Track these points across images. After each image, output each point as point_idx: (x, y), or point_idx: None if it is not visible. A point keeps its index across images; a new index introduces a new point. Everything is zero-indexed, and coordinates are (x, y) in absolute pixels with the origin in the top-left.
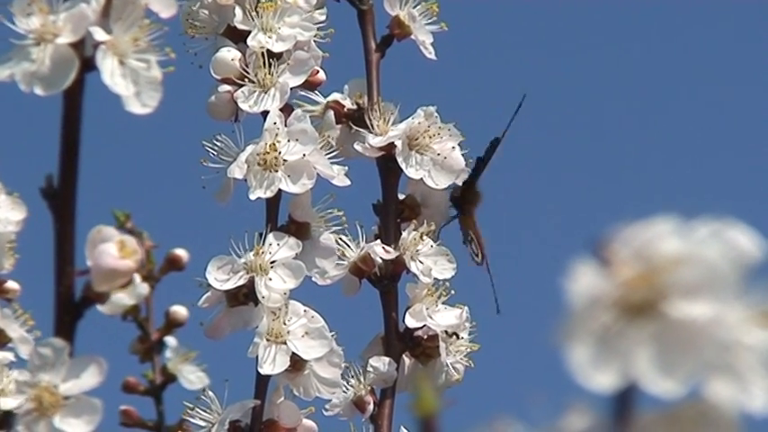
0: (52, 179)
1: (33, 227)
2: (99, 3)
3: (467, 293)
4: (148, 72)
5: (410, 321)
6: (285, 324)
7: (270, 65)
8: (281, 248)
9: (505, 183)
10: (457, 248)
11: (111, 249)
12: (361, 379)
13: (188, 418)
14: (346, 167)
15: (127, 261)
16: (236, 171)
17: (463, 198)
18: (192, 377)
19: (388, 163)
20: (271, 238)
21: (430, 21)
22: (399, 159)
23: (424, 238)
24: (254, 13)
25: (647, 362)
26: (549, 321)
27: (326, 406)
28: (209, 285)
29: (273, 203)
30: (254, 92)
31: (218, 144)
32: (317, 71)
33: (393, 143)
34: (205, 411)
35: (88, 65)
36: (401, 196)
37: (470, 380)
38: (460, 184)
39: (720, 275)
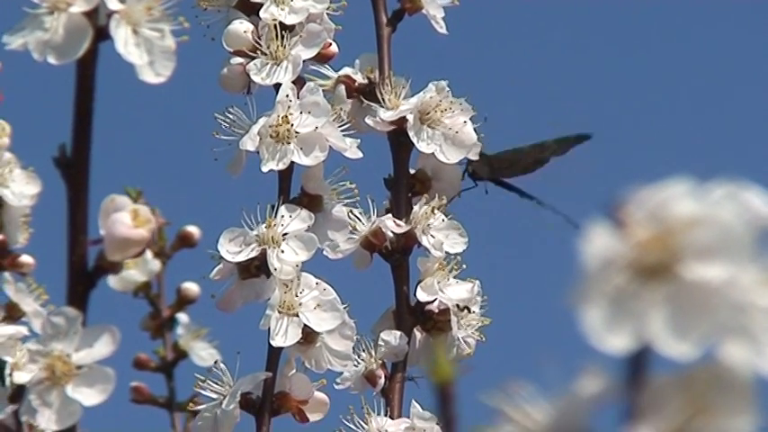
0: (65, 148)
1: (47, 201)
2: None
3: (478, 267)
4: (162, 41)
5: (421, 295)
6: (297, 296)
7: (282, 37)
8: (293, 221)
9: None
10: (468, 222)
11: (125, 218)
12: (373, 353)
13: (199, 390)
14: (359, 140)
15: (140, 230)
16: (249, 143)
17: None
18: (204, 354)
19: (399, 137)
20: (283, 210)
21: None
22: (411, 134)
23: (436, 212)
24: None
25: (661, 324)
26: (563, 284)
27: (337, 380)
28: (221, 258)
29: (286, 176)
30: (267, 64)
31: (231, 116)
32: (330, 44)
33: (404, 117)
34: (216, 383)
35: (102, 34)
36: (412, 170)
37: (484, 350)
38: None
39: (735, 237)
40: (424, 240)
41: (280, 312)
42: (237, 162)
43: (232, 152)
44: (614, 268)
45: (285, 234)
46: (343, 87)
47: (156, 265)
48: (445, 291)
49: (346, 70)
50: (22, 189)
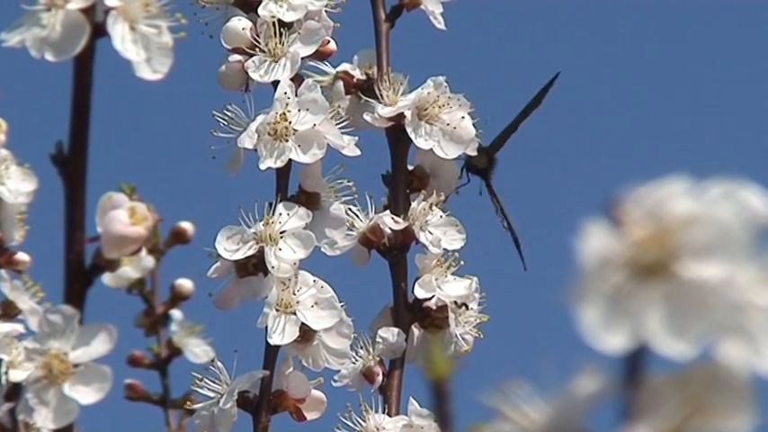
0: (62, 145)
1: (43, 198)
2: None
3: (476, 264)
4: (159, 38)
5: (419, 292)
6: (294, 294)
7: (281, 34)
8: (290, 218)
9: (516, 146)
10: (466, 219)
11: (122, 216)
12: (370, 350)
13: (196, 389)
14: (356, 138)
15: (137, 228)
16: (247, 141)
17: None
18: (198, 350)
19: (397, 133)
20: (281, 207)
21: None
22: (409, 130)
23: (434, 208)
24: None
25: (658, 323)
26: (560, 283)
27: (335, 377)
28: (219, 255)
29: (283, 173)
30: (265, 61)
31: (229, 114)
32: (328, 41)
33: (402, 113)
34: (214, 382)
35: (99, 31)
36: (410, 167)
37: (481, 347)
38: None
39: (732, 236)
40: (422, 237)
41: (277, 310)
42: (235, 159)
43: (230, 150)
44: (611, 267)
45: (283, 232)
46: (341, 83)
47: (149, 261)
48: (443, 288)
49: (344, 66)
50: (18, 186)
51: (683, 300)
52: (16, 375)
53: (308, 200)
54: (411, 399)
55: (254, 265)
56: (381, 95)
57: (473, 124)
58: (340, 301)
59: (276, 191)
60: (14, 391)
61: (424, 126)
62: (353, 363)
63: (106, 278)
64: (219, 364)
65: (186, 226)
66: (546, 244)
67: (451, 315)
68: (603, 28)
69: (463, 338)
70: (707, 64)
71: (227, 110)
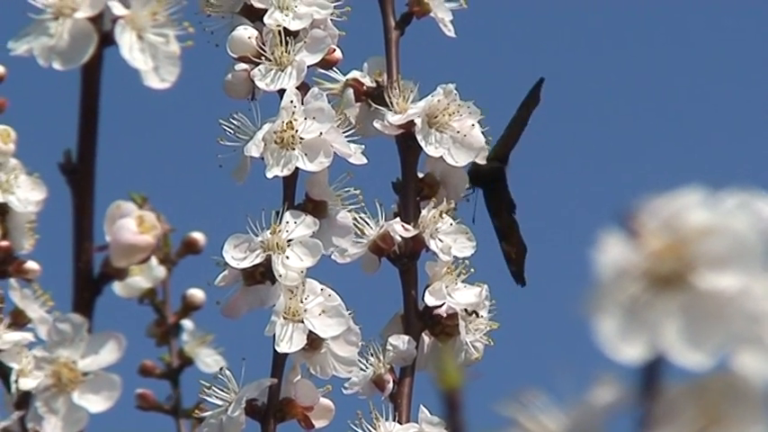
0: (71, 154)
1: (52, 207)
2: None
3: (486, 272)
4: (167, 46)
5: (429, 300)
6: (302, 302)
7: (286, 43)
8: (297, 227)
9: (531, 154)
10: (476, 226)
11: (130, 224)
12: (381, 357)
13: (204, 397)
14: (363, 146)
15: (146, 236)
16: (253, 149)
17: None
18: (209, 360)
19: (407, 141)
20: (287, 216)
21: None
22: (419, 137)
23: (444, 215)
24: None
25: (674, 333)
26: (575, 294)
27: (346, 384)
28: (226, 264)
29: (290, 182)
30: (271, 70)
31: (235, 122)
32: (334, 49)
33: (412, 121)
34: (222, 390)
35: (106, 39)
36: (420, 174)
37: (493, 356)
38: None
39: (748, 247)
40: (433, 244)
41: (285, 318)
42: (242, 168)
43: (237, 158)
44: (628, 278)
45: (290, 240)
46: (351, 91)
47: (161, 271)
48: (453, 295)
49: (354, 74)
50: (28, 195)
51: (699, 310)
52: (26, 384)
53: (315, 208)
54: (421, 406)
55: (262, 274)
56: (391, 103)
57: (483, 132)
58: (348, 309)
59: (283, 199)
60: (24, 399)
61: (434, 134)
62: (364, 370)
63: (118, 288)
64: (228, 372)
65: (198, 236)
66: (556, 249)
67: (462, 323)
68: (617, 35)
69: (473, 346)
70: (723, 76)
71: (234, 118)
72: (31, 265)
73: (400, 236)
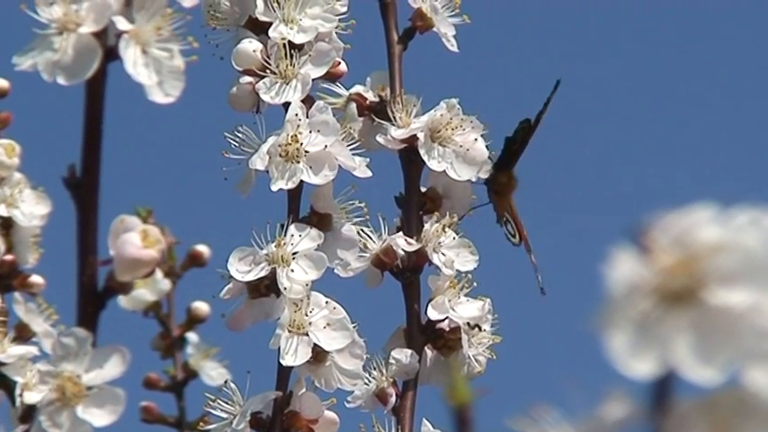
0: (75, 169)
1: (57, 221)
2: None
3: (489, 285)
4: (171, 61)
5: (432, 313)
6: (307, 315)
7: (291, 56)
8: (302, 240)
9: (541, 169)
10: (479, 240)
11: (135, 239)
12: (384, 371)
13: (209, 410)
14: (368, 159)
15: (150, 251)
16: (258, 162)
17: (497, 180)
18: (214, 373)
19: (410, 155)
20: (292, 229)
21: (452, 13)
22: (422, 151)
23: (447, 230)
24: (275, 5)
25: (685, 349)
26: (586, 309)
27: (349, 398)
28: (231, 277)
29: (295, 195)
30: (276, 83)
31: (240, 135)
32: (339, 63)
33: (415, 135)
34: (226, 403)
35: (111, 54)
36: (423, 188)
37: (500, 370)
38: (491, 168)
39: (759, 263)
40: (435, 258)
41: (290, 331)
42: (247, 181)
43: (241, 171)
44: (639, 293)
45: (295, 253)
46: (354, 105)
47: (166, 284)
48: (456, 309)
49: (357, 88)
50: (32, 209)
51: (710, 326)
52: (30, 397)
53: (320, 221)
54: (424, 420)
55: (267, 287)
56: (394, 117)
57: (486, 146)
58: (352, 322)
59: (288, 212)
60: (28, 413)
61: (437, 148)
62: (366, 384)
63: (123, 301)
64: (232, 385)
65: (203, 249)
66: (565, 267)
67: (464, 336)
68: (626, 49)
69: (476, 360)
70: (734, 92)
71: (239, 131)
72: (36, 278)
73: (403, 250)
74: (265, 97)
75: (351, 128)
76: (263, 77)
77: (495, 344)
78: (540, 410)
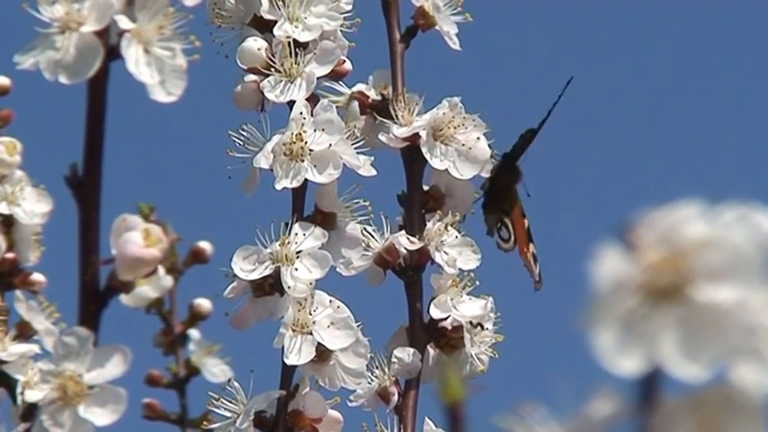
0: (77, 168)
1: (58, 219)
2: None
3: (491, 284)
4: (173, 60)
5: (435, 312)
6: (311, 314)
7: (296, 54)
8: (306, 238)
9: (528, 168)
10: (482, 239)
11: (136, 238)
12: (386, 370)
13: (213, 409)
14: (372, 157)
15: (152, 250)
16: (263, 161)
17: (497, 183)
18: (216, 370)
19: (412, 154)
20: (297, 228)
21: (455, 11)
22: (424, 150)
23: (449, 228)
24: (280, 3)
25: (672, 346)
26: (573, 306)
27: (351, 397)
28: (235, 275)
29: (299, 193)
30: (281, 81)
31: (244, 134)
32: (344, 61)
33: (418, 134)
34: (230, 402)
35: (113, 53)
36: (426, 187)
37: (495, 369)
38: (488, 173)
39: (746, 260)
40: (438, 257)
41: (293, 330)
42: (251, 180)
43: (246, 170)
44: (625, 291)
45: (299, 252)
46: (356, 104)
47: (168, 281)
48: (458, 308)
49: (360, 87)
50: (34, 207)
51: (696, 323)
52: (31, 396)
53: (324, 220)
54: (426, 419)
55: (271, 285)
56: (396, 116)
57: (488, 145)
58: (356, 321)
59: (292, 211)
60: (30, 411)
61: (439, 146)
62: (369, 383)
63: (125, 298)
64: (236, 383)
65: (205, 246)
66: (561, 262)
67: (467, 335)
68: (621, 49)
69: (479, 358)
70: (720, 89)
71: (243, 130)
72: (37, 276)
73: (405, 248)
74: (270, 96)
75: (355, 126)
76: (267, 76)
77: (497, 342)
78: (528, 408)
